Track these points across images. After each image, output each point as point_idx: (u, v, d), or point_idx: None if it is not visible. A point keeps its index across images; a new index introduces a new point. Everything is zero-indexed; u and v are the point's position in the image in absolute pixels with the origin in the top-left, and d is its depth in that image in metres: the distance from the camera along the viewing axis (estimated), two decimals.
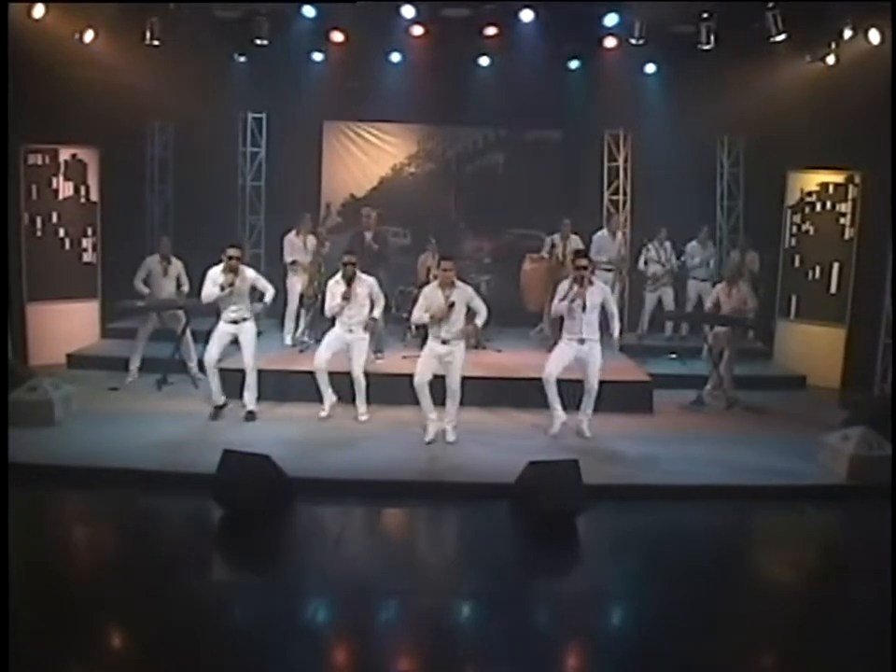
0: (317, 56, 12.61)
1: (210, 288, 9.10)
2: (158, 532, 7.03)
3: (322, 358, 9.36)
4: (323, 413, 9.47)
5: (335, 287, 9.32)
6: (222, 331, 9.32)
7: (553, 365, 8.98)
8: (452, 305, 8.58)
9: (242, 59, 12.39)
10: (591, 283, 8.97)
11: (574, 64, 12.76)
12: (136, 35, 11.13)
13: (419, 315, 8.76)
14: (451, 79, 12.87)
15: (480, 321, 8.74)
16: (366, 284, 9.36)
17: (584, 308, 8.79)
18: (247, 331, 9.36)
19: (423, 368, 8.79)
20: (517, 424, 9.55)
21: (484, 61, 12.85)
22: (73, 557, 6.65)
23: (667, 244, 12.84)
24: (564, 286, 9.01)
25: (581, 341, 8.88)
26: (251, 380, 9.47)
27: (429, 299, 8.72)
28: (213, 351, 9.29)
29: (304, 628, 5.51)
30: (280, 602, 5.79)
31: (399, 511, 7.81)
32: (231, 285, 9.07)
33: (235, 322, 9.30)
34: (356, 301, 9.27)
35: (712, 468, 8.26)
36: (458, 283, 8.77)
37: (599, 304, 8.92)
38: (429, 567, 6.65)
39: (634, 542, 7.10)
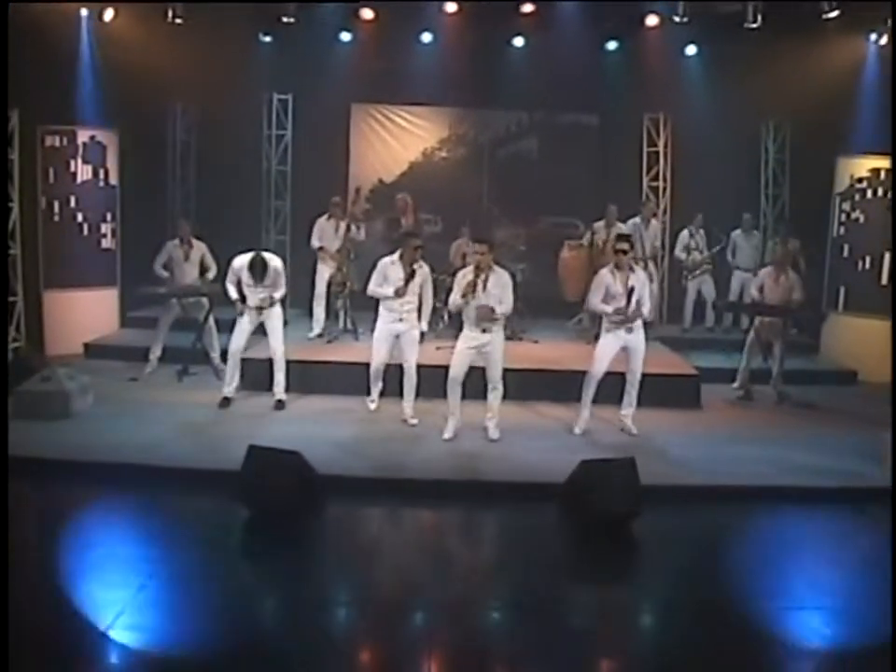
0: (345, 35, 12.29)
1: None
2: (178, 532, 6.55)
3: (380, 358, 8.88)
4: (373, 406, 9.14)
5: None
6: (248, 319, 9.03)
7: (603, 363, 8.51)
8: (484, 286, 7.96)
9: (267, 38, 12.16)
10: (632, 269, 8.51)
11: (612, 45, 12.40)
12: (158, 13, 10.87)
13: (455, 299, 8.15)
14: (484, 60, 12.48)
15: (500, 309, 8.06)
16: (424, 271, 8.78)
17: (629, 295, 8.32)
18: (274, 317, 9.10)
19: (459, 360, 8.25)
20: (554, 420, 9.07)
21: (519, 41, 12.46)
22: (88, 555, 6.23)
23: (702, 231, 12.38)
24: (599, 276, 8.56)
25: (629, 329, 8.40)
26: (280, 367, 9.15)
27: (463, 283, 8.10)
28: (239, 340, 9.02)
29: (335, 637, 5.12)
30: (310, 608, 5.42)
31: (436, 513, 7.32)
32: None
33: (261, 308, 8.99)
34: (412, 287, 8.70)
35: (767, 467, 7.78)
36: (496, 268, 8.19)
37: (640, 292, 8.41)
38: (472, 575, 6.18)
39: (692, 548, 6.61)
